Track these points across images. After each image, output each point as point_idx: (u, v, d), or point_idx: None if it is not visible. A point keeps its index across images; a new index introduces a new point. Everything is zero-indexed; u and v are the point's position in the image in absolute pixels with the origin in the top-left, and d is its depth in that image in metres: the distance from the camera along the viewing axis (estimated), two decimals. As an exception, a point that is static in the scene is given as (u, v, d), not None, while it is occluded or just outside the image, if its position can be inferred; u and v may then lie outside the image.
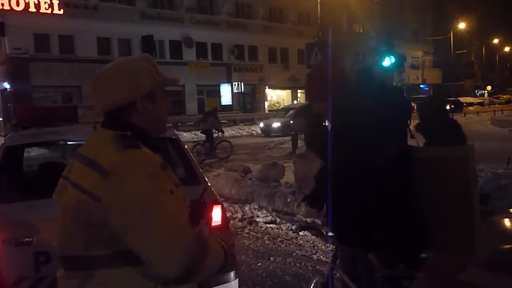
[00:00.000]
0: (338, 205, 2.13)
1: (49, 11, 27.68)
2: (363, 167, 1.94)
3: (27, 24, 26.09)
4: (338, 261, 2.43)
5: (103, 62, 26.24)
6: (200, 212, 1.63)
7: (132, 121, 1.57)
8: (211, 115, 16.59)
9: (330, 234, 2.50)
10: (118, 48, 31.64)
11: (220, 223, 3.33)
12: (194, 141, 18.40)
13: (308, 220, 6.77)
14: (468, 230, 2.02)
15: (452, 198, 1.99)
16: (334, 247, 2.48)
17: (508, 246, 2.65)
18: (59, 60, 28.14)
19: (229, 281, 3.07)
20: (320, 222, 6.41)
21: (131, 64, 1.61)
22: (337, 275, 2.51)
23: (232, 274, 3.09)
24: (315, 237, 6.16)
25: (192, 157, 3.85)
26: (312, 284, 2.56)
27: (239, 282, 3.36)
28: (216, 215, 3.32)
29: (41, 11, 27.34)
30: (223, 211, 3.43)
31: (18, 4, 26.54)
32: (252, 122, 32.37)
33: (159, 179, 1.44)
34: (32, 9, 27.01)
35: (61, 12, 28.08)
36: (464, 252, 2.08)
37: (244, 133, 27.76)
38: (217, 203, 3.41)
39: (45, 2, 27.55)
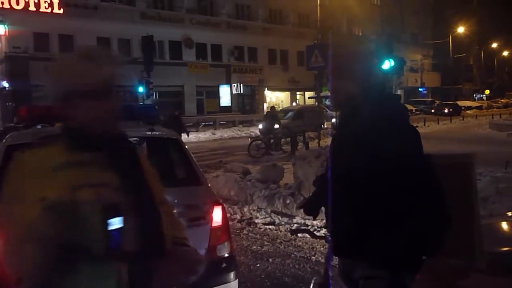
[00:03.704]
0: (336, 213, 2.07)
1: (49, 10, 27.66)
2: (368, 174, 1.89)
3: (27, 23, 26.05)
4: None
5: (103, 62, 26.57)
6: None
7: (68, 117, 1.51)
8: (270, 113, 18.73)
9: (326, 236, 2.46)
10: (118, 48, 31.55)
11: (220, 223, 3.35)
12: (251, 137, 19.94)
13: (307, 222, 6.78)
14: (469, 236, 2.03)
15: (454, 204, 2.00)
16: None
17: (506, 249, 2.67)
18: (58, 59, 28.08)
19: (229, 282, 3.08)
20: (316, 225, 6.42)
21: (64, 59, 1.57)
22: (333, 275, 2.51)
23: (232, 274, 3.10)
24: (313, 239, 6.17)
25: (193, 157, 3.85)
26: (311, 285, 2.55)
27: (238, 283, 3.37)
28: (217, 215, 3.34)
29: (41, 10, 27.31)
30: (224, 211, 3.44)
31: (18, 3, 26.52)
32: (251, 123, 32.27)
33: (31, 182, 1.38)
34: (32, 8, 26.98)
35: (61, 11, 28.06)
36: (464, 258, 2.08)
37: (243, 134, 27.66)
38: (217, 203, 3.42)
39: (45, 1, 27.53)
